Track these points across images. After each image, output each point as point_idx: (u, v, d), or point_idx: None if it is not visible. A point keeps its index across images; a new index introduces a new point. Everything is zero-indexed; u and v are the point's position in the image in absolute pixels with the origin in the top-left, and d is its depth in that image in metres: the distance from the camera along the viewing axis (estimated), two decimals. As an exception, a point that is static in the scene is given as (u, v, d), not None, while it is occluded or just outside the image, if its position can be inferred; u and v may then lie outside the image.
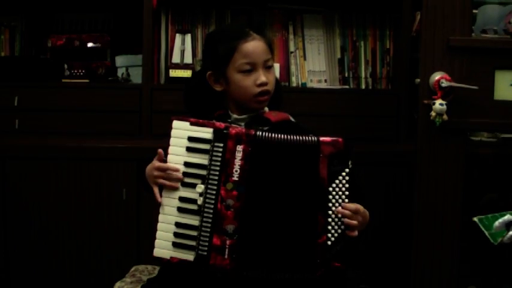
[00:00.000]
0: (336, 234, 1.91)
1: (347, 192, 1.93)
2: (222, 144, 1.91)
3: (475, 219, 2.49)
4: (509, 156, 3.00)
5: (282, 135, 1.92)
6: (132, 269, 2.46)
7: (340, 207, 1.92)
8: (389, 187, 3.05)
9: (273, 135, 1.92)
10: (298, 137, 1.93)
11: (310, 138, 1.93)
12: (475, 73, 2.51)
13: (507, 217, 2.42)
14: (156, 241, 1.94)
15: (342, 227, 1.93)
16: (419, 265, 2.60)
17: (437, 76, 2.48)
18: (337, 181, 1.92)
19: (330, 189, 1.91)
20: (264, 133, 1.92)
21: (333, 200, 1.92)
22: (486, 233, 2.45)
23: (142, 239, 3.00)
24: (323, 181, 1.91)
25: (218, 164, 1.91)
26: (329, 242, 1.90)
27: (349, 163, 1.93)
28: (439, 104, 2.45)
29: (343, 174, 1.92)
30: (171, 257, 1.92)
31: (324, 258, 1.89)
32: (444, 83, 2.45)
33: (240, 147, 1.91)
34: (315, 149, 1.91)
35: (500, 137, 3.08)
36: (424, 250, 2.59)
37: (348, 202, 1.93)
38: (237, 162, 1.90)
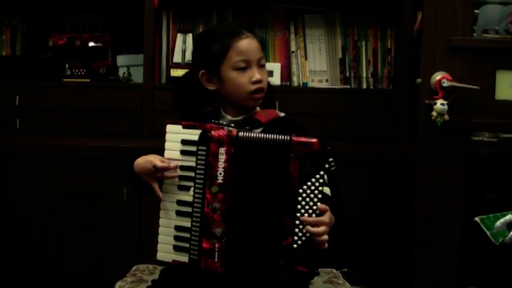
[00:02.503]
0: (303, 238, 1.86)
1: (320, 196, 1.86)
2: (205, 148, 1.90)
3: (477, 219, 2.49)
4: (510, 156, 3.00)
5: (259, 135, 1.90)
6: (133, 268, 2.46)
7: (306, 216, 1.85)
8: (391, 187, 3.05)
9: (253, 134, 1.91)
10: (271, 136, 1.89)
11: (281, 137, 1.88)
12: (476, 73, 2.51)
13: (508, 217, 2.42)
14: (159, 245, 1.94)
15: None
16: (420, 265, 2.60)
17: (438, 76, 2.48)
18: (309, 183, 1.86)
19: (300, 190, 1.86)
20: (245, 133, 1.91)
21: (303, 202, 1.86)
22: (487, 233, 2.45)
23: (143, 238, 3.00)
24: (292, 182, 1.86)
25: (203, 167, 1.90)
26: (295, 245, 1.86)
27: (326, 165, 1.87)
28: (440, 104, 2.45)
29: (317, 176, 1.86)
30: (172, 260, 1.93)
31: (289, 260, 1.86)
32: (445, 83, 2.45)
33: (222, 150, 1.89)
34: (285, 149, 1.87)
35: (501, 137, 3.08)
36: (425, 250, 2.59)
37: (320, 206, 1.86)
38: (221, 164, 1.88)
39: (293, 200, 1.87)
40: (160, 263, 1.97)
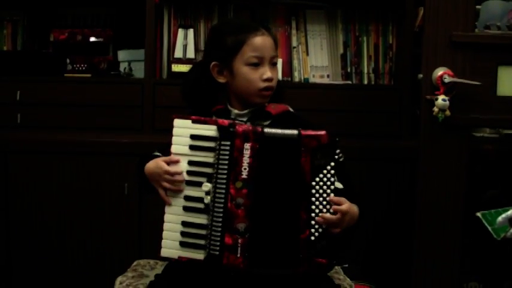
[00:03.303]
0: (320, 230, 1.89)
1: (332, 187, 1.89)
2: (229, 143, 1.89)
3: (478, 214, 2.48)
4: (512, 152, 3.00)
5: (277, 130, 1.91)
6: (134, 263, 2.46)
7: (321, 208, 1.89)
8: (392, 183, 3.05)
9: (276, 130, 1.92)
10: (282, 131, 1.91)
11: (290, 131, 1.91)
12: (478, 69, 2.51)
13: (510, 212, 2.42)
14: (163, 241, 1.94)
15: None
16: (421, 261, 2.60)
17: (440, 72, 2.47)
18: (321, 175, 1.89)
19: (313, 183, 1.88)
20: (270, 129, 1.92)
21: (317, 195, 1.89)
22: (489, 228, 2.45)
23: (143, 233, 3.00)
24: (305, 175, 1.88)
25: (226, 162, 1.89)
26: (312, 238, 1.88)
27: (336, 157, 1.90)
28: (441, 100, 2.45)
29: (328, 168, 1.88)
30: (179, 257, 1.92)
31: (307, 253, 1.87)
32: (447, 79, 2.45)
33: (248, 145, 1.89)
34: (295, 143, 1.89)
35: (502, 132, 3.08)
36: (426, 246, 2.59)
37: (334, 197, 1.90)
38: (246, 160, 1.89)
39: (307, 194, 1.89)
40: (165, 259, 1.96)
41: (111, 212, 3.02)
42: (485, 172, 2.95)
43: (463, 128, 2.57)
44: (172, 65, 3.12)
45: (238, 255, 1.87)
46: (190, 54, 3.12)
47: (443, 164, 2.56)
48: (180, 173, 1.93)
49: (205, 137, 1.92)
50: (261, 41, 2.04)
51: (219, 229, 1.88)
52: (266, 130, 1.91)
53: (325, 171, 1.89)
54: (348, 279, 2.33)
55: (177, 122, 1.95)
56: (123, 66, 3.23)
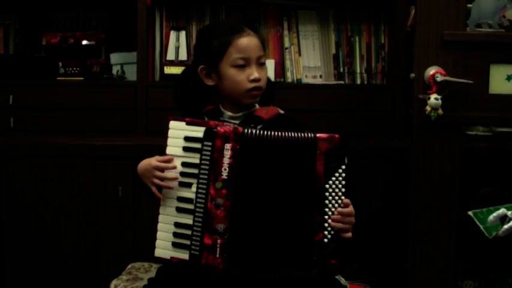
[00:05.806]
0: (332, 232, 1.90)
1: (343, 189, 1.91)
2: (210, 143, 1.90)
3: (470, 213, 2.49)
4: (505, 150, 3.00)
5: (273, 133, 1.91)
6: (129, 266, 2.46)
7: (336, 213, 1.90)
8: (385, 182, 3.05)
9: (262, 132, 1.91)
10: (294, 134, 1.91)
11: (306, 135, 1.91)
12: (470, 67, 2.51)
13: (501, 211, 2.43)
14: (157, 242, 1.94)
15: None
16: (416, 260, 2.61)
17: (432, 71, 2.48)
18: (333, 178, 1.90)
19: (327, 186, 1.90)
20: (252, 131, 1.91)
21: (330, 197, 1.90)
22: (481, 227, 2.45)
23: (138, 236, 3.00)
24: (319, 178, 1.89)
25: (207, 163, 1.90)
26: (325, 240, 1.89)
27: (346, 159, 1.91)
28: (434, 99, 2.45)
29: (340, 171, 1.90)
30: (171, 257, 1.92)
31: (321, 255, 1.89)
32: (439, 78, 2.45)
33: (228, 146, 1.89)
34: (311, 146, 1.90)
35: (495, 130, 3.08)
36: (420, 245, 2.60)
37: (344, 199, 1.91)
38: (226, 160, 1.89)
39: (321, 196, 1.90)
40: (158, 259, 1.97)
41: (105, 215, 3.02)
42: (478, 170, 2.96)
43: (455, 126, 2.57)
44: (165, 67, 3.11)
45: (217, 256, 1.88)
46: (183, 56, 3.12)
47: (436, 163, 2.56)
48: (170, 168, 1.94)
49: (195, 138, 1.93)
50: (246, 41, 2.04)
51: (199, 229, 1.89)
52: (246, 131, 1.91)
53: (337, 174, 1.90)
54: (343, 279, 2.33)
55: (172, 124, 1.96)
56: (115, 69, 3.23)
